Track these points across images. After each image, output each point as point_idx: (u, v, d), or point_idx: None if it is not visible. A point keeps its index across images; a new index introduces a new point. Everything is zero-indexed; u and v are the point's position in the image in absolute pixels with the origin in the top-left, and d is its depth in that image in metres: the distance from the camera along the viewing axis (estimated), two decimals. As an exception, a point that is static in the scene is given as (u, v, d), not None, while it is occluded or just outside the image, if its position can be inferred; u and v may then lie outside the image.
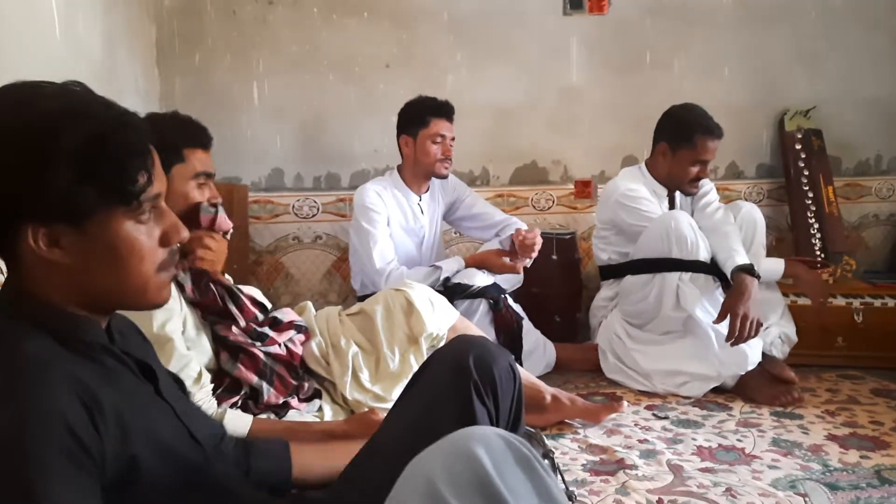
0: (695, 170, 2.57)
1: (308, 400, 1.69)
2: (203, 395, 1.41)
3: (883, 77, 3.39)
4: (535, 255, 2.51)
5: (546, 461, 1.35)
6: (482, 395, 1.02)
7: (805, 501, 1.65)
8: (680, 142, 2.56)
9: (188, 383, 1.39)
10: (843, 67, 3.37)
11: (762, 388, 2.34)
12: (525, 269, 2.59)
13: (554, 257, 2.99)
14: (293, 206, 3.12)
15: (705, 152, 2.53)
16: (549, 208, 3.31)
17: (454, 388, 1.02)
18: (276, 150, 3.10)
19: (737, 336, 2.25)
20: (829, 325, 2.71)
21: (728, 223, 2.55)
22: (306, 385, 1.71)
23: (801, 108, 3.35)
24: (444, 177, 2.64)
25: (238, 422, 1.41)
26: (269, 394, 1.57)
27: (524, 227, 2.71)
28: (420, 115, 2.58)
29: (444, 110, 2.59)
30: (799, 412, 2.24)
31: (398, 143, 2.64)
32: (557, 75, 3.25)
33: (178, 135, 1.53)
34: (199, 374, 1.43)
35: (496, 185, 3.27)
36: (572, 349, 2.78)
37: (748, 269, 2.33)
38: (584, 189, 3.31)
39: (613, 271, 2.70)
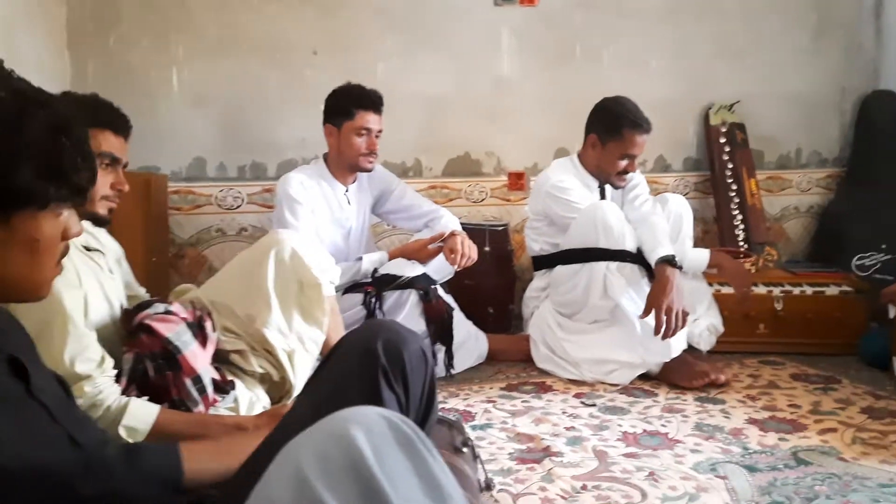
0: (623, 163, 2.59)
1: (222, 392, 1.62)
2: (105, 381, 1.33)
3: (803, 73, 3.49)
4: (466, 263, 2.46)
5: (467, 449, 1.32)
6: (391, 381, 0.99)
7: (725, 483, 1.67)
8: (609, 134, 2.57)
9: (90, 367, 1.31)
10: (765, 63, 3.45)
11: (685, 372, 2.38)
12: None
13: (487, 249, 2.97)
14: (216, 197, 3.02)
15: (633, 146, 2.55)
16: (482, 200, 3.30)
17: (361, 373, 0.99)
18: (197, 139, 2.99)
19: (664, 329, 2.28)
20: (752, 313, 2.77)
21: (654, 214, 2.58)
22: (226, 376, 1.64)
23: (725, 102, 3.42)
24: (368, 171, 2.58)
25: (144, 411, 1.34)
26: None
27: (454, 220, 2.67)
28: (345, 106, 2.51)
29: (371, 102, 2.51)
30: (721, 397, 2.28)
31: (324, 131, 2.57)
32: (490, 66, 3.23)
33: (86, 115, 1.44)
34: (102, 359, 1.35)
35: (429, 176, 3.24)
36: (505, 340, 2.77)
37: (670, 261, 2.36)
38: (518, 181, 3.31)
39: (545, 262, 2.71)
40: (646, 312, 2.33)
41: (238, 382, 1.65)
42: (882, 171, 3.37)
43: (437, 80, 3.18)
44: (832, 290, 2.80)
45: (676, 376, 2.39)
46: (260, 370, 1.66)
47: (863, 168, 3.44)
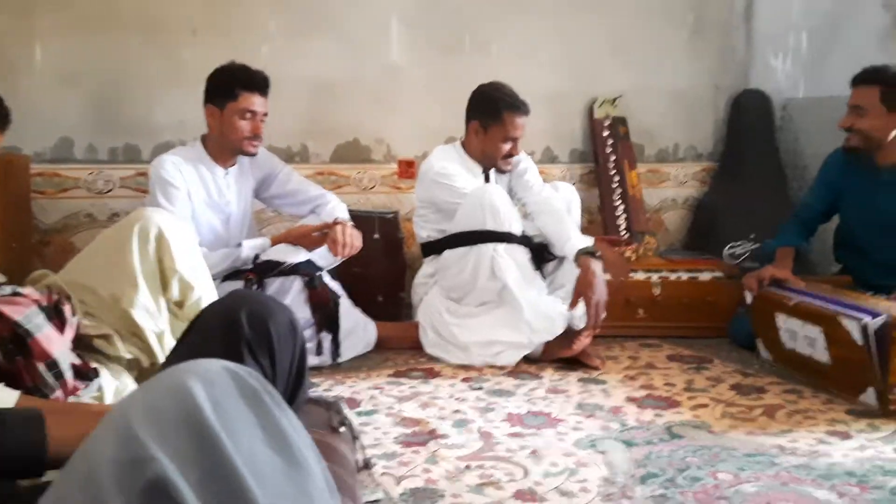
0: (506, 147, 2.62)
1: (84, 379, 1.50)
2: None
3: (682, 70, 3.64)
4: (349, 253, 2.41)
5: (344, 429, 1.28)
6: (256, 353, 0.94)
7: (603, 458, 1.71)
8: (489, 119, 2.60)
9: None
10: (646, 59, 3.58)
11: (565, 342, 2.45)
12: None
13: (376, 237, 2.94)
14: (85, 181, 2.83)
15: (513, 129, 2.59)
16: (372, 188, 3.25)
17: (224, 345, 0.93)
18: (64, 119, 2.80)
19: (595, 322, 2.37)
20: (632, 298, 2.86)
21: (556, 201, 2.64)
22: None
23: (609, 96, 3.53)
24: (252, 155, 2.48)
25: (1, 396, 1.21)
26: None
27: (341, 206, 2.61)
28: (229, 86, 2.39)
29: (256, 83, 2.40)
30: (602, 378, 2.34)
31: (204, 111, 2.45)
32: (379, 52, 3.19)
33: None
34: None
35: (316, 162, 3.16)
36: (394, 327, 2.74)
37: (592, 252, 2.43)
38: (408, 169, 3.28)
39: (433, 248, 2.70)
40: (573, 304, 2.40)
41: (103, 370, 1.54)
42: (751, 165, 3.57)
43: (324, 64, 3.10)
44: (705, 276, 2.94)
45: (558, 350, 2.45)
46: (128, 356, 1.55)
47: (733, 163, 3.63)
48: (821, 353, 2.19)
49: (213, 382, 0.66)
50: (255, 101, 2.38)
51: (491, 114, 2.59)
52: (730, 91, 3.70)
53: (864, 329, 1.98)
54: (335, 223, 2.42)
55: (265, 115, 2.43)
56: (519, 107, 2.59)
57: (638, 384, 2.28)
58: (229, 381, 0.67)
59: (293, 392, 1.00)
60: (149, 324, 1.54)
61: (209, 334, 0.95)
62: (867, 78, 2.36)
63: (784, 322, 2.32)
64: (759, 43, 3.66)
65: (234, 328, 0.93)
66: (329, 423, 1.26)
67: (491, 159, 2.66)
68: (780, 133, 3.59)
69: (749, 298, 2.50)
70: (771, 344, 2.45)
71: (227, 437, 0.62)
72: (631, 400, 2.13)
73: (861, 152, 2.41)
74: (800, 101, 3.49)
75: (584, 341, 2.43)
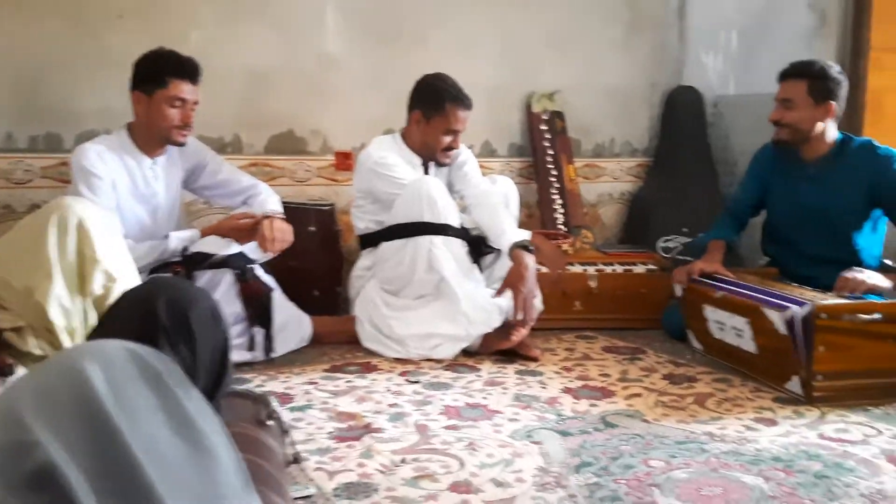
0: (447, 139, 2.61)
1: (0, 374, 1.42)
2: None
3: (617, 66, 3.69)
4: (280, 247, 2.33)
5: (272, 423, 1.24)
6: (174, 343, 0.89)
7: (539, 448, 1.71)
8: (432, 110, 2.58)
9: None
10: (583, 54, 3.61)
11: (503, 333, 2.45)
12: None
13: (312, 229, 2.89)
14: (3, 170, 2.69)
15: (456, 121, 2.58)
16: (308, 180, 3.19)
17: (140, 335, 0.88)
18: (-22, 105, 2.66)
19: (526, 316, 2.38)
20: (569, 291, 2.89)
21: (494, 195, 2.64)
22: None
23: (546, 90, 3.55)
24: (180, 145, 2.38)
25: None
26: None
27: (274, 198, 2.54)
28: (158, 73, 2.29)
29: (186, 70, 2.31)
30: (539, 369, 2.35)
31: (131, 98, 2.35)
32: (315, 42, 3.13)
33: None
34: None
35: (250, 153, 3.08)
36: (330, 322, 2.70)
37: (525, 246, 2.42)
38: (345, 161, 3.23)
39: (371, 240, 2.66)
40: (500, 292, 2.41)
41: (19, 366, 1.46)
42: (683, 161, 3.64)
43: (258, 52, 3.03)
44: (640, 269, 2.99)
45: (496, 342, 2.45)
46: (38, 351, 1.47)
47: (667, 158, 3.70)
48: (748, 344, 2.24)
49: (112, 364, 0.62)
50: (185, 89, 2.29)
51: (434, 105, 2.57)
52: (664, 87, 3.77)
53: (788, 319, 2.03)
54: (264, 217, 2.35)
55: (195, 103, 2.34)
56: (463, 100, 2.57)
57: (574, 375, 2.30)
58: (130, 362, 0.63)
59: (216, 383, 0.96)
60: (60, 319, 1.46)
61: (124, 323, 0.90)
62: (795, 72, 2.43)
63: (712, 314, 2.37)
64: (693, 40, 3.74)
65: (150, 317, 0.89)
66: (256, 416, 1.22)
67: (431, 151, 2.64)
68: (711, 129, 3.68)
69: (678, 291, 2.54)
70: (701, 335, 2.50)
71: (124, 421, 0.58)
72: (567, 391, 2.14)
73: (790, 146, 2.47)
74: (730, 98, 3.58)
75: (522, 332, 2.43)
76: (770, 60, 3.30)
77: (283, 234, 2.33)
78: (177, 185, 2.48)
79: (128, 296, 0.94)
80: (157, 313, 0.88)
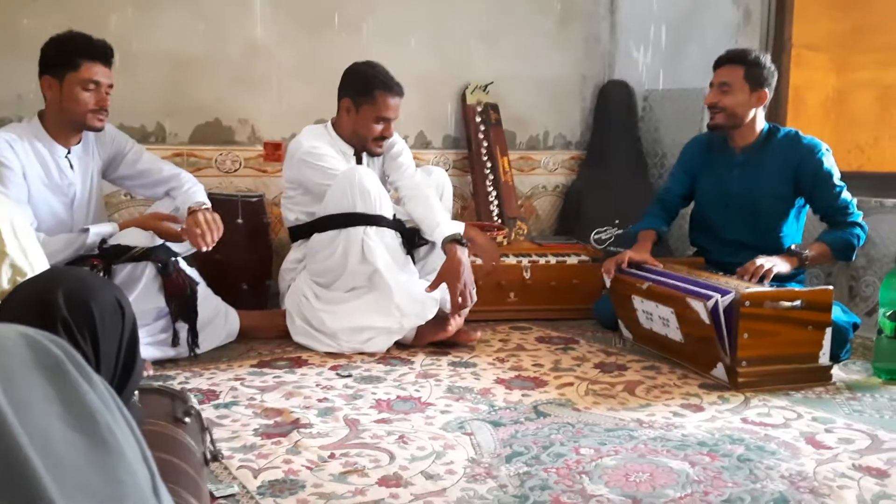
0: (378, 127, 2.56)
1: None
2: None
3: (549, 59, 3.71)
4: (212, 240, 2.22)
5: (190, 419, 1.19)
6: (75, 336, 0.83)
7: (471, 439, 1.70)
8: (362, 98, 2.54)
9: None
10: (516, 47, 3.62)
11: (438, 326, 2.44)
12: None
13: (239, 221, 2.80)
14: None
15: (386, 109, 2.54)
16: (235, 171, 3.10)
17: (39, 328, 0.82)
18: None
19: (461, 307, 2.38)
20: (503, 283, 2.89)
21: (428, 186, 2.61)
22: None
23: (480, 82, 3.54)
24: (98, 130, 2.27)
25: None
26: None
27: (199, 188, 2.43)
28: (69, 55, 2.17)
29: (99, 52, 2.20)
30: (473, 361, 2.34)
31: (40, 84, 2.23)
32: (242, 29, 3.04)
33: None
34: None
35: (174, 142, 2.98)
36: (258, 316, 2.63)
37: (458, 240, 2.41)
38: (275, 152, 3.15)
39: (301, 231, 2.61)
40: (434, 286, 2.38)
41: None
42: (615, 153, 3.69)
43: (181, 38, 2.93)
44: (572, 260, 3.02)
45: (430, 334, 2.44)
46: None
47: (599, 151, 3.74)
48: (674, 333, 2.28)
49: (5, 350, 0.57)
50: (99, 71, 2.19)
51: (363, 92, 2.53)
52: (596, 81, 3.81)
53: (711, 308, 2.07)
54: (189, 213, 2.25)
55: (110, 86, 2.24)
56: (392, 87, 2.53)
57: (507, 366, 2.30)
58: (25, 349, 0.58)
59: (122, 379, 0.90)
60: None
61: (20, 316, 0.84)
62: (732, 58, 2.51)
63: (640, 304, 2.40)
64: (623, 35, 3.79)
65: (48, 308, 0.83)
66: (173, 413, 1.16)
67: (362, 140, 2.59)
68: (642, 123, 3.74)
69: (608, 282, 2.57)
70: (631, 324, 2.54)
71: (13, 410, 0.53)
72: (500, 381, 2.14)
73: (723, 131, 2.54)
74: (659, 92, 3.64)
75: (457, 321, 2.41)
76: (696, 55, 3.38)
77: (211, 225, 2.23)
78: (94, 176, 2.37)
79: (23, 287, 0.88)
80: (55, 305, 0.82)
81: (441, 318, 2.45)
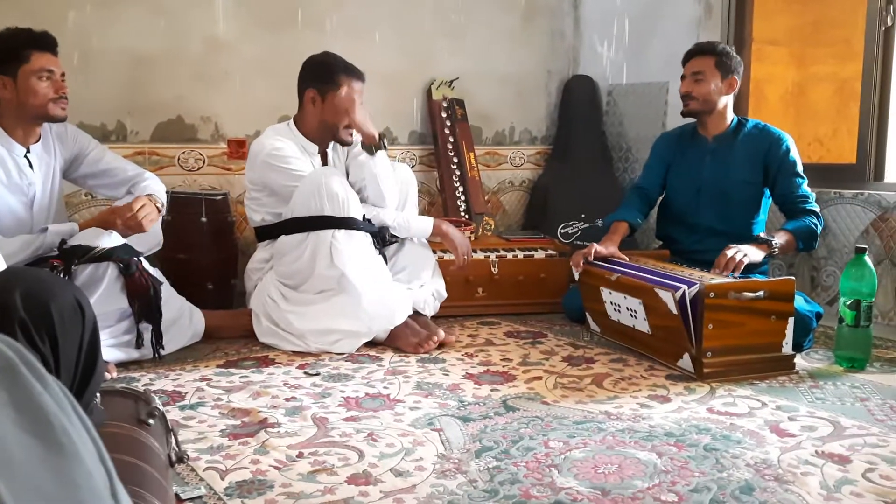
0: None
1: None
2: None
3: (514, 55, 3.72)
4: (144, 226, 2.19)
5: (154, 421, 1.17)
6: (34, 339, 0.81)
7: (440, 435, 1.69)
8: (327, 86, 2.51)
9: None
10: (481, 42, 3.62)
11: (409, 338, 2.41)
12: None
13: (203, 220, 2.77)
14: None
15: (351, 93, 2.52)
16: (199, 168, 3.06)
17: (-5, 329, 0.80)
18: None
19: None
20: (472, 278, 2.89)
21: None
22: None
23: (445, 78, 3.54)
24: (62, 119, 2.23)
25: None
26: None
27: (159, 186, 2.38)
28: (16, 50, 2.13)
29: (46, 42, 2.18)
30: (442, 357, 2.34)
31: (-7, 86, 2.17)
32: (203, 25, 3.00)
33: None
34: None
35: (135, 141, 2.92)
36: (223, 316, 2.60)
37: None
38: (239, 149, 3.11)
39: (268, 232, 2.57)
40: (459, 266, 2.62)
41: None
42: (581, 148, 3.71)
43: (141, 35, 2.87)
44: (540, 255, 3.03)
45: (402, 342, 2.42)
46: None
47: (565, 146, 3.76)
48: (641, 324, 2.30)
49: None
50: (50, 60, 2.18)
51: (327, 80, 2.51)
52: (561, 76, 3.83)
53: (679, 299, 2.10)
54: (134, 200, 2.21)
55: (63, 75, 2.21)
56: (355, 71, 2.53)
57: (476, 361, 2.30)
58: None
59: (83, 381, 0.88)
60: None
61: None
62: (702, 49, 2.62)
63: (609, 295, 2.42)
64: (587, 30, 3.82)
65: (5, 310, 0.80)
66: (135, 415, 1.14)
67: (332, 129, 2.56)
68: (606, 117, 3.77)
69: (577, 274, 2.59)
70: (599, 317, 2.56)
71: None
72: (469, 377, 2.14)
73: (698, 116, 2.63)
74: (623, 86, 3.68)
75: (428, 347, 2.39)
76: (659, 50, 3.42)
77: (141, 213, 2.16)
78: (55, 176, 2.32)
79: (-23, 289, 0.85)
80: (12, 307, 0.80)
81: (415, 329, 2.44)
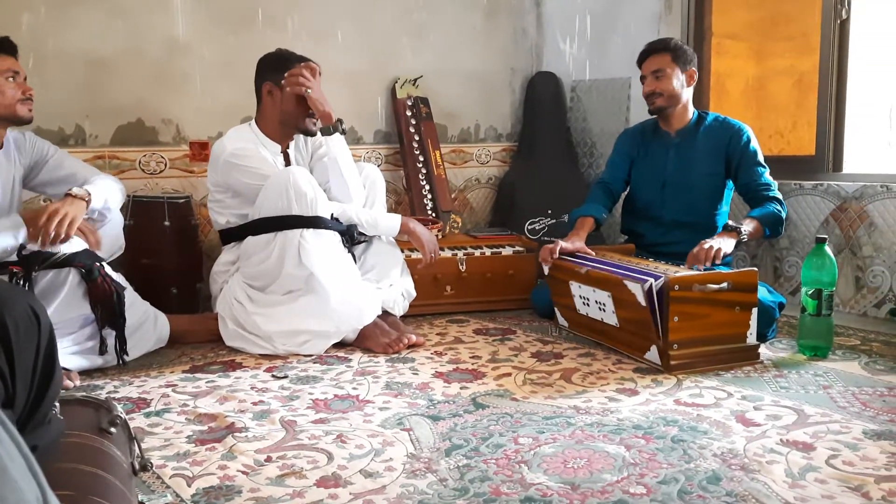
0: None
1: None
2: None
3: (477, 52, 3.72)
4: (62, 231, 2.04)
5: (116, 430, 1.15)
6: (-13, 350, 0.79)
7: (409, 435, 1.69)
8: (280, 74, 2.49)
9: None
10: (444, 40, 3.62)
11: (378, 338, 2.40)
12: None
13: (166, 223, 2.73)
14: None
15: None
16: (161, 172, 3.01)
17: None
18: None
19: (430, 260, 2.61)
20: (440, 276, 2.89)
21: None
22: None
23: (409, 76, 3.53)
24: (29, 120, 2.20)
25: None
26: None
27: (110, 185, 2.29)
28: None
29: (6, 46, 2.17)
30: (411, 356, 2.33)
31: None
32: (161, 26, 2.95)
33: None
34: None
35: (94, 145, 2.87)
36: (189, 320, 2.56)
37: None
38: (201, 151, 3.07)
39: (234, 234, 2.54)
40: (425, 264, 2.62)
41: None
42: (545, 144, 3.73)
43: (98, 37, 2.82)
44: (507, 251, 3.04)
45: (371, 342, 2.40)
46: None
47: (530, 142, 3.78)
48: (610, 317, 2.32)
49: None
50: (12, 62, 2.18)
51: (282, 68, 2.49)
52: (524, 73, 3.85)
53: (647, 290, 2.12)
54: (65, 195, 2.10)
55: (25, 78, 2.21)
56: (309, 60, 2.52)
57: (446, 359, 2.30)
58: None
59: (40, 391, 0.86)
60: None
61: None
62: (656, 47, 2.66)
63: (578, 289, 2.44)
64: (549, 27, 3.84)
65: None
66: (97, 423, 1.12)
67: (294, 119, 2.53)
68: (570, 113, 3.79)
69: (546, 270, 2.60)
70: (567, 311, 2.57)
71: None
72: (438, 375, 2.14)
73: (664, 111, 2.66)
74: (586, 82, 3.70)
75: (399, 348, 2.38)
76: (621, 46, 3.45)
77: (61, 220, 2.03)
78: (15, 184, 2.27)
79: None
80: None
81: (384, 329, 2.43)
